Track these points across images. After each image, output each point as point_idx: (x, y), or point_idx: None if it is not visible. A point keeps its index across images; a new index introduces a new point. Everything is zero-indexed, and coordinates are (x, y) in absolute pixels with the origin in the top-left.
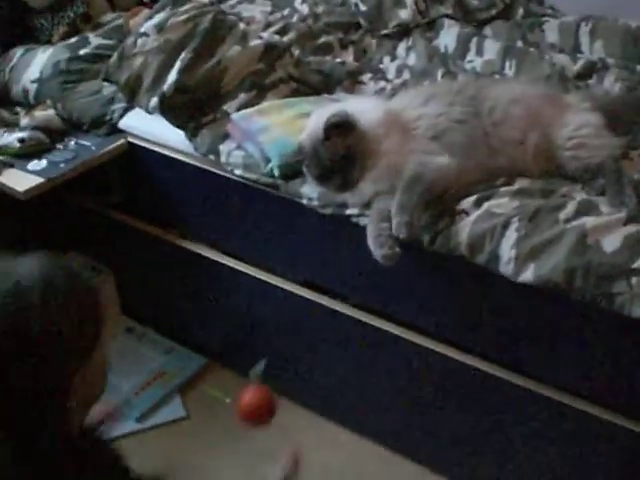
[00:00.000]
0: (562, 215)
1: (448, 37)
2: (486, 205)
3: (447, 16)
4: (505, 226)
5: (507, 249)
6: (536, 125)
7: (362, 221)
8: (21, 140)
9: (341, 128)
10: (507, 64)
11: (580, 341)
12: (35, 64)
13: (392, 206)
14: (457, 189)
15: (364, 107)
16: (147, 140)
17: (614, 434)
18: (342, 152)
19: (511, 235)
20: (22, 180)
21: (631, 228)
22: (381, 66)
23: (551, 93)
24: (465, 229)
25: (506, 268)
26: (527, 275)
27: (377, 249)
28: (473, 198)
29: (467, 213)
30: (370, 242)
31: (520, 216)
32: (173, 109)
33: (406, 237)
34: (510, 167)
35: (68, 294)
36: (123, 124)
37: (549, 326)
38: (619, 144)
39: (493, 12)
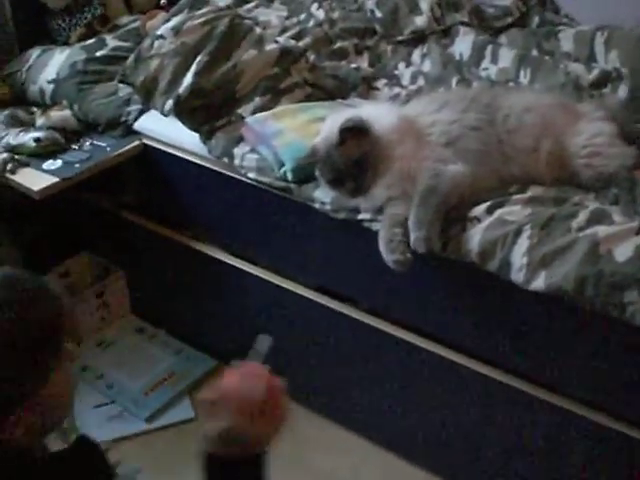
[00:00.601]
0: (574, 224)
1: (463, 44)
2: (498, 212)
3: (462, 23)
4: (517, 234)
5: (519, 256)
6: (550, 133)
7: (374, 226)
8: (37, 140)
9: (356, 133)
10: (522, 72)
11: (590, 350)
12: (52, 65)
13: (409, 220)
14: (470, 196)
15: (378, 113)
16: (162, 142)
17: (625, 444)
18: (356, 157)
19: (523, 243)
20: (37, 179)
21: None
22: (396, 72)
23: (565, 102)
24: (477, 236)
25: (517, 275)
26: (538, 283)
27: (389, 255)
28: (485, 205)
29: (479, 220)
30: (382, 248)
31: (532, 224)
32: (188, 112)
33: (425, 252)
34: (523, 175)
35: (19, 306)
36: (138, 126)
37: (559, 334)
38: (633, 154)
39: (509, 20)
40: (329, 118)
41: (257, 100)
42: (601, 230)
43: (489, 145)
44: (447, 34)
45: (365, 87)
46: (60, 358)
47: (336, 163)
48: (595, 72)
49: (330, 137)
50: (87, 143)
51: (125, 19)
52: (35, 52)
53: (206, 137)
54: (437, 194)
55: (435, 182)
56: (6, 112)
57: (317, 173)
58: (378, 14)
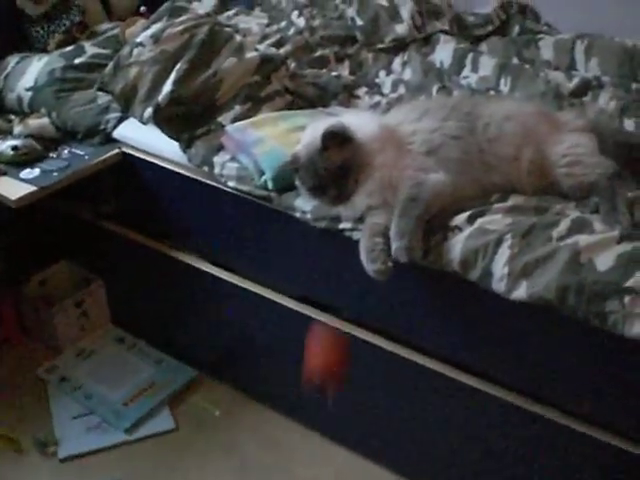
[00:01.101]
0: (555, 233)
1: (444, 53)
2: (479, 221)
3: (443, 32)
4: (498, 243)
5: (500, 266)
6: (530, 142)
7: (355, 235)
8: (14, 148)
9: (338, 139)
10: (502, 80)
11: (573, 359)
12: (30, 72)
13: (391, 229)
14: (451, 205)
15: (360, 121)
16: (141, 150)
17: (605, 452)
18: (339, 163)
19: (504, 252)
20: (14, 188)
21: (624, 246)
22: (377, 80)
23: (545, 110)
24: (458, 245)
25: (499, 285)
26: (520, 292)
27: (369, 264)
28: (466, 214)
29: (460, 229)
30: (363, 257)
31: (513, 233)
32: (167, 120)
33: (406, 261)
34: (505, 183)
35: None
36: (117, 134)
37: (541, 344)
38: (612, 164)
39: (489, 28)
40: (310, 126)
41: (237, 108)
42: (582, 239)
43: (470, 154)
44: (428, 42)
45: (346, 95)
46: None
47: (318, 170)
48: (575, 80)
49: (312, 143)
50: (65, 151)
51: (104, 26)
52: (13, 59)
53: (186, 145)
54: (418, 203)
55: (417, 191)
56: None
57: (297, 182)
58: (359, 22)
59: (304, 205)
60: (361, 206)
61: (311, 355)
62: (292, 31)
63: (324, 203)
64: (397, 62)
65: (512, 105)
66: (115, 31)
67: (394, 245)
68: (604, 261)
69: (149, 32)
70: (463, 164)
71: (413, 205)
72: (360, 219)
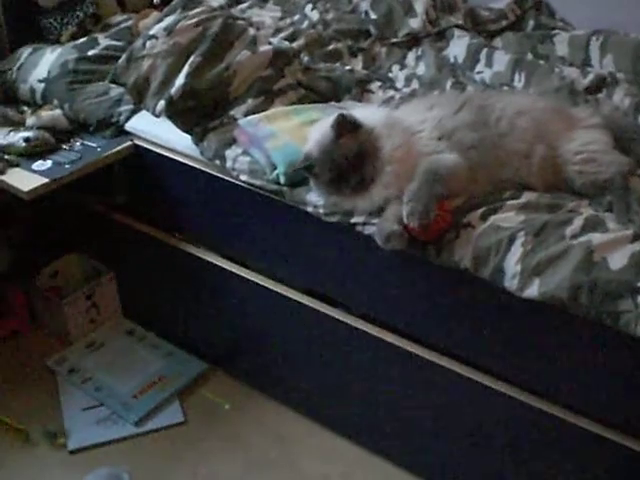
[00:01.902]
0: (569, 231)
1: (458, 48)
2: (492, 219)
3: (457, 26)
4: (511, 240)
5: (512, 264)
6: (543, 138)
7: (367, 230)
8: (26, 139)
9: (349, 126)
10: (516, 76)
11: (584, 358)
12: (43, 64)
13: (404, 195)
14: (465, 199)
15: (367, 112)
16: (153, 143)
17: (616, 453)
18: (356, 149)
19: (517, 250)
20: (26, 180)
21: (638, 245)
22: (390, 75)
23: (559, 106)
24: (470, 242)
25: (511, 283)
26: (532, 291)
27: (382, 232)
28: (479, 211)
29: (473, 226)
30: (376, 230)
31: (526, 231)
32: (180, 113)
33: (417, 225)
34: (516, 179)
35: None
36: (130, 126)
37: (553, 342)
38: (627, 161)
39: (504, 23)
40: (317, 125)
41: (250, 102)
42: (595, 237)
43: (483, 145)
44: (442, 37)
45: (359, 90)
46: None
47: (336, 159)
48: (590, 77)
49: (324, 136)
50: (77, 143)
51: (118, 18)
52: (26, 51)
53: (198, 139)
54: (437, 177)
55: (435, 166)
56: None
57: (313, 180)
58: (372, 16)
59: (316, 199)
60: (379, 198)
61: None
62: (305, 24)
63: (344, 195)
64: (411, 57)
65: (525, 100)
66: (128, 23)
67: (407, 207)
68: (617, 260)
69: (162, 24)
70: (476, 152)
71: (432, 177)
72: (375, 212)
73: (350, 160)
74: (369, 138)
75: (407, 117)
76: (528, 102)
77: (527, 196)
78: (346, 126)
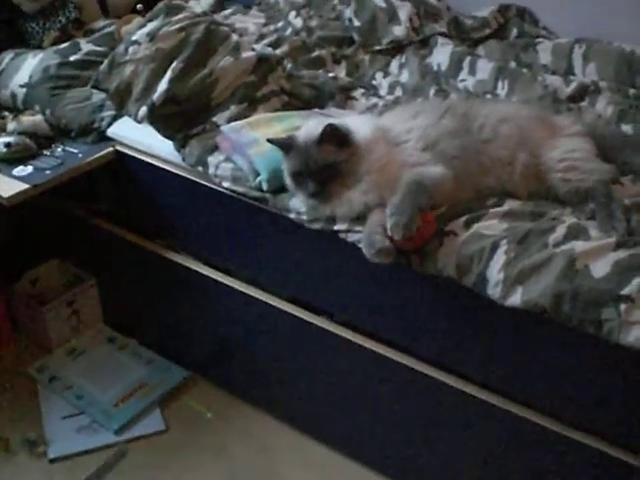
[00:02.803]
0: (551, 239)
1: (441, 55)
2: (475, 226)
3: (441, 34)
4: (494, 248)
5: (495, 272)
6: (525, 145)
7: (350, 237)
8: (7, 145)
9: (338, 139)
10: (500, 84)
11: (567, 366)
12: (24, 69)
13: (387, 208)
14: (448, 207)
15: (358, 125)
16: (135, 149)
17: (601, 461)
18: (330, 162)
19: (499, 258)
20: (6, 186)
21: (621, 253)
22: (374, 82)
23: (542, 114)
24: (454, 250)
25: (494, 291)
26: (515, 299)
27: (368, 248)
28: (462, 219)
29: (456, 234)
30: (363, 245)
31: (509, 238)
32: (162, 119)
33: (400, 238)
34: (499, 186)
35: None
36: (111, 132)
37: (536, 350)
38: (610, 169)
39: (487, 32)
40: (318, 119)
41: (233, 108)
42: (578, 245)
43: (466, 153)
44: (425, 44)
45: (342, 97)
46: None
47: (309, 160)
48: (573, 85)
49: (312, 133)
50: (59, 149)
51: (100, 23)
52: (8, 55)
53: (180, 145)
54: (420, 189)
55: (420, 178)
56: None
57: (284, 163)
58: (356, 23)
59: (299, 206)
60: (358, 205)
61: None
62: (289, 31)
63: (300, 193)
64: (394, 64)
65: (508, 108)
66: (111, 28)
67: (390, 221)
68: (600, 268)
69: (145, 30)
70: (459, 161)
71: (416, 189)
72: (356, 219)
73: (318, 168)
74: (351, 158)
75: (393, 126)
76: (511, 110)
77: (510, 204)
78: (335, 137)
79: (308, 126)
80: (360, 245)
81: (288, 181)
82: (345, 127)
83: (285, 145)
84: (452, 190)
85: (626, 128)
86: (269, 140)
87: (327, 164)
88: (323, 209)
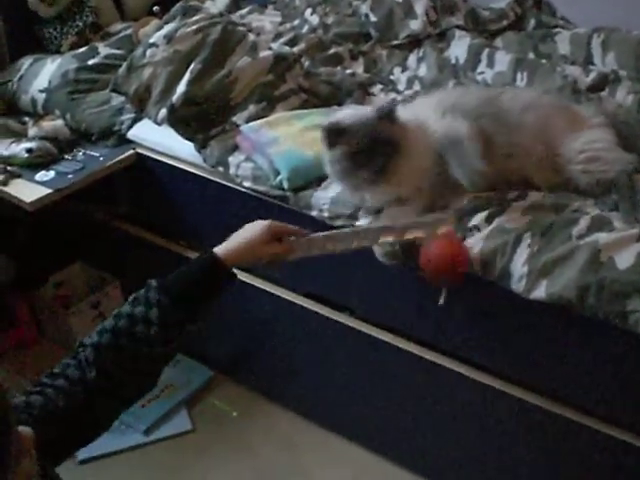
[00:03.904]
0: (575, 231)
1: (459, 48)
2: (497, 221)
3: (458, 27)
4: (517, 242)
5: (519, 265)
6: (545, 135)
7: None
8: (29, 150)
9: (389, 117)
10: (518, 76)
11: (593, 359)
12: (44, 74)
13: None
14: (469, 201)
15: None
16: (156, 151)
17: (625, 452)
18: (390, 137)
19: (523, 251)
20: (29, 191)
21: None
22: (392, 77)
23: (565, 104)
24: (477, 245)
25: (518, 285)
26: (539, 292)
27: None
28: (484, 214)
29: (479, 229)
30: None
31: (532, 232)
32: (182, 120)
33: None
34: (519, 173)
35: None
36: (132, 135)
37: (561, 343)
38: (632, 159)
39: (504, 23)
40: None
41: (252, 108)
42: (602, 237)
43: (492, 131)
44: (442, 38)
45: (361, 93)
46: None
47: (369, 136)
48: (592, 75)
49: (364, 113)
50: (80, 153)
51: (117, 27)
52: (27, 61)
53: (200, 146)
54: (459, 141)
55: (454, 133)
56: None
57: (336, 149)
58: (373, 18)
59: (321, 203)
60: (390, 195)
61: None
62: (306, 29)
63: (358, 179)
64: (412, 58)
65: (533, 95)
66: (128, 31)
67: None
68: (625, 259)
69: (162, 32)
70: (486, 119)
71: (456, 145)
72: (379, 211)
73: (380, 144)
74: (401, 135)
75: (420, 115)
76: (534, 98)
77: (532, 197)
78: (387, 117)
79: (346, 111)
80: None
81: (339, 167)
82: (393, 105)
83: (335, 132)
84: (484, 152)
85: None
86: (322, 129)
87: (386, 140)
88: (351, 195)
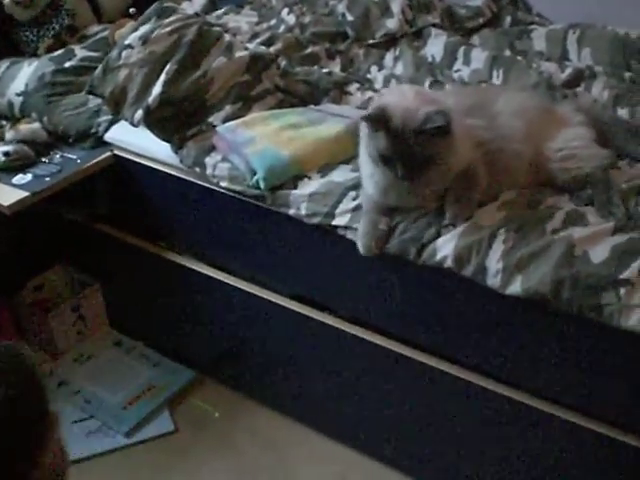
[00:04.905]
0: (549, 226)
1: (435, 46)
2: (473, 217)
3: (434, 25)
4: (492, 238)
5: (494, 261)
6: (532, 139)
7: (348, 234)
8: (6, 154)
9: (438, 129)
10: (494, 73)
11: (568, 353)
12: (20, 77)
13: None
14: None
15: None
16: (133, 152)
17: (603, 445)
18: (427, 154)
19: (498, 247)
20: (7, 194)
21: (619, 238)
22: (368, 76)
23: (547, 105)
24: (452, 242)
25: (493, 280)
26: (515, 287)
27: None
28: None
29: (454, 225)
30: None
31: (507, 227)
32: (158, 122)
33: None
34: (509, 180)
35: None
36: (109, 137)
37: (537, 338)
38: (607, 155)
39: (480, 21)
40: (412, 89)
41: (228, 108)
42: (576, 231)
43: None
44: (419, 36)
45: (337, 92)
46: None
47: (404, 146)
48: (568, 71)
49: (411, 117)
50: (57, 156)
51: (94, 29)
52: (3, 64)
53: (177, 147)
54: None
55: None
56: None
57: (371, 139)
58: (349, 17)
59: (297, 202)
60: (421, 194)
61: None
62: (282, 29)
63: (387, 169)
64: (389, 57)
65: (519, 100)
66: (105, 33)
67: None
68: (599, 253)
69: (138, 34)
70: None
71: None
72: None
73: (413, 158)
74: (446, 149)
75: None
76: (522, 102)
77: (506, 194)
78: (433, 129)
79: (403, 102)
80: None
81: (366, 158)
82: (447, 115)
83: (378, 123)
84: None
85: (622, 112)
86: (363, 117)
87: (424, 156)
88: (324, 205)
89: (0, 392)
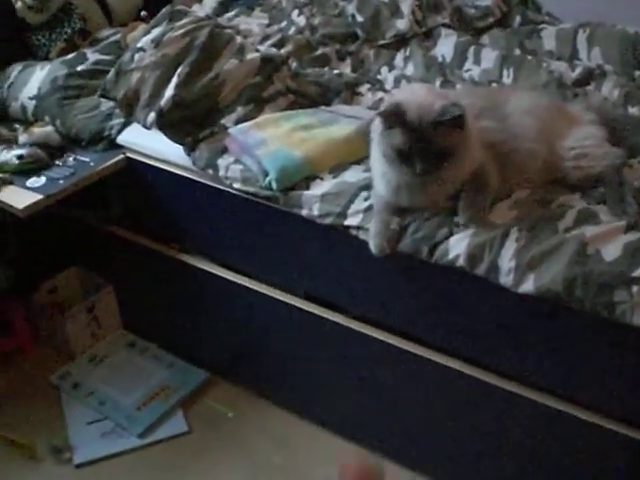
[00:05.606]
0: (562, 224)
1: (445, 46)
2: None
3: (444, 25)
4: (504, 237)
5: (507, 260)
6: (546, 137)
7: (361, 234)
8: (19, 157)
9: (454, 121)
10: (505, 72)
11: (581, 350)
12: (33, 81)
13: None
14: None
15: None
16: (146, 155)
17: (617, 443)
18: (445, 145)
19: (510, 245)
20: (21, 197)
21: (631, 236)
22: (379, 77)
23: (558, 104)
24: (464, 240)
25: (506, 279)
26: (527, 286)
27: (373, 238)
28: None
29: (466, 225)
30: (371, 231)
31: (519, 226)
32: (171, 124)
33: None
34: (522, 177)
35: None
36: (121, 139)
37: (550, 336)
38: (620, 154)
39: (490, 20)
40: (423, 87)
41: (240, 110)
42: (588, 230)
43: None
44: (429, 36)
45: (348, 93)
46: None
47: (421, 139)
48: (578, 70)
49: (428, 111)
50: (70, 159)
51: (106, 32)
52: (16, 68)
53: (190, 149)
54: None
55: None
56: None
57: (386, 135)
58: (359, 18)
59: (310, 202)
60: (438, 194)
61: None
62: (293, 30)
63: (404, 165)
64: (399, 58)
65: (530, 98)
66: (117, 37)
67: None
68: (611, 251)
69: (150, 37)
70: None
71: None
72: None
73: (431, 151)
74: (460, 142)
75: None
76: (534, 101)
77: (518, 193)
78: (450, 120)
79: (416, 98)
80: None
81: (379, 158)
82: (462, 107)
83: (392, 119)
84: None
85: (633, 110)
86: (377, 114)
87: (441, 148)
88: (336, 205)
89: None
